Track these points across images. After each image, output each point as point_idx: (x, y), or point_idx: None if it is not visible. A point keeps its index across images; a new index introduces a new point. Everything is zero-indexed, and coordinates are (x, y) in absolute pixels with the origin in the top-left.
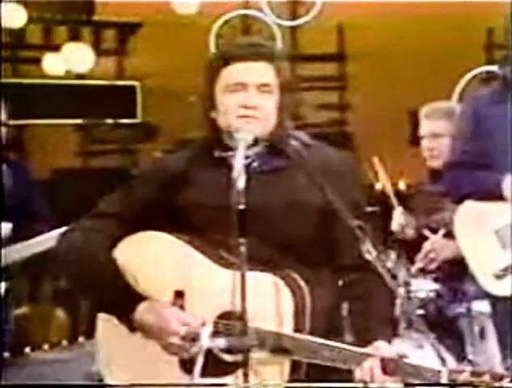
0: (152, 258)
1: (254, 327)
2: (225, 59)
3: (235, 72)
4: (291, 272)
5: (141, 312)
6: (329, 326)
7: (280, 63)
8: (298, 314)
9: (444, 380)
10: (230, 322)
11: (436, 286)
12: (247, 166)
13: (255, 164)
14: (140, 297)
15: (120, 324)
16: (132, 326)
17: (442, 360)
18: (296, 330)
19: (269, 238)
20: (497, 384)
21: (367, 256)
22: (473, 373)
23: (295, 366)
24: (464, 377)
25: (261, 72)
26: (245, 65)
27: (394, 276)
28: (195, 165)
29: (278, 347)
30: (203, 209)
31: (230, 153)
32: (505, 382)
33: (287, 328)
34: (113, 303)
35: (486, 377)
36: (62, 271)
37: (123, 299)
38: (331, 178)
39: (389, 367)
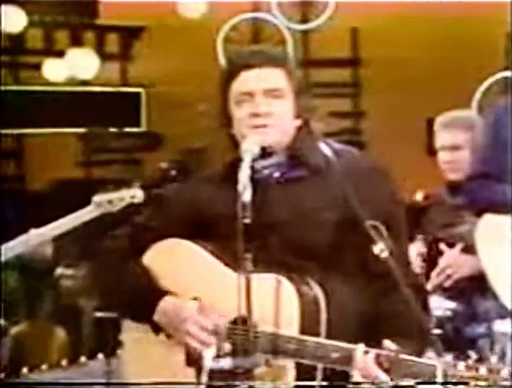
0: (174, 264)
1: (262, 332)
2: (231, 71)
3: (241, 82)
4: (310, 279)
5: (163, 307)
6: (352, 334)
7: (290, 66)
8: (306, 318)
9: (439, 374)
10: (241, 327)
11: (453, 304)
12: (268, 177)
13: (276, 174)
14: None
15: (144, 325)
16: (157, 327)
17: (440, 356)
18: (305, 335)
19: (288, 246)
20: (493, 377)
21: (379, 253)
22: (468, 367)
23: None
24: (460, 369)
25: (268, 77)
26: (250, 73)
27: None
28: (222, 182)
29: (278, 349)
30: (226, 221)
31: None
32: (502, 376)
33: (291, 332)
34: (142, 307)
35: (483, 371)
36: (94, 278)
37: (151, 302)
38: (360, 186)
39: (385, 362)
